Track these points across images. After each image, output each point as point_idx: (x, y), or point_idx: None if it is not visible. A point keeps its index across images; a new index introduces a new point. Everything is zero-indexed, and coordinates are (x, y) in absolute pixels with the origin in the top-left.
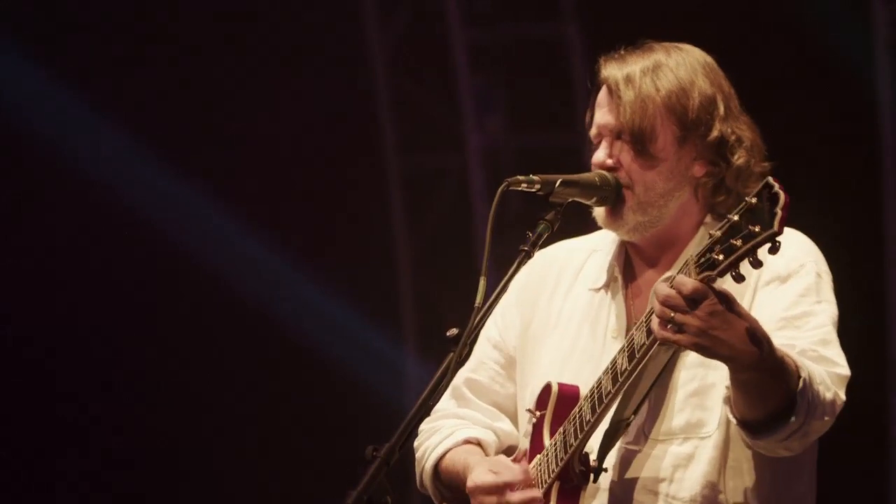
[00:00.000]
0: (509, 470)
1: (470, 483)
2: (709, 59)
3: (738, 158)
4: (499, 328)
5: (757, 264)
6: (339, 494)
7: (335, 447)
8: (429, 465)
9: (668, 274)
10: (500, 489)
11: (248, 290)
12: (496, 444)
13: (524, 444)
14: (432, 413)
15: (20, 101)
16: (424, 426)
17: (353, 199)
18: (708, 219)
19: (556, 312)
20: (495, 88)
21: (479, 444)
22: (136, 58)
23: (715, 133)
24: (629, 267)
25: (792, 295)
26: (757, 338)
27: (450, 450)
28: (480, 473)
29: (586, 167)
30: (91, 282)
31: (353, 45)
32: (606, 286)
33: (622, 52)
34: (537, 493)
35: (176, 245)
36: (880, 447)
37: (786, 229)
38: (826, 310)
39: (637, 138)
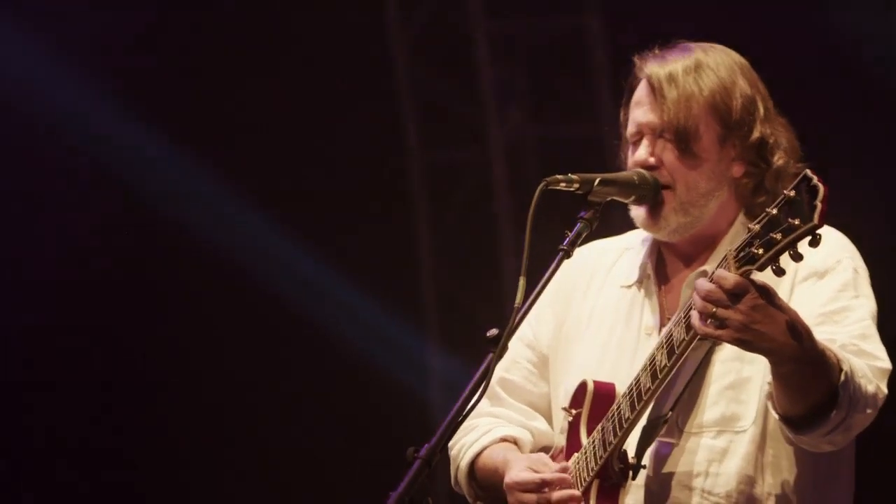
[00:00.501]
0: (548, 468)
1: (508, 479)
2: (743, 60)
3: (778, 159)
4: (532, 328)
5: (797, 257)
6: (365, 489)
7: (360, 442)
8: (464, 463)
9: (703, 268)
10: (538, 487)
11: (272, 285)
12: (532, 442)
13: (560, 441)
14: None
15: (33, 90)
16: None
17: (375, 193)
18: (741, 216)
19: (589, 311)
20: (517, 81)
21: (515, 442)
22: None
23: (756, 134)
24: (661, 264)
25: (830, 291)
26: (798, 331)
27: (486, 447)
28: (519, 471)
29: (608, 160)
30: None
31: (375, 38)
32: (639, 283)
33: (658, 50)
34: (576, 492)
35: (200, 240)
36: None
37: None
38: (864, 304)
39: (681, 137)
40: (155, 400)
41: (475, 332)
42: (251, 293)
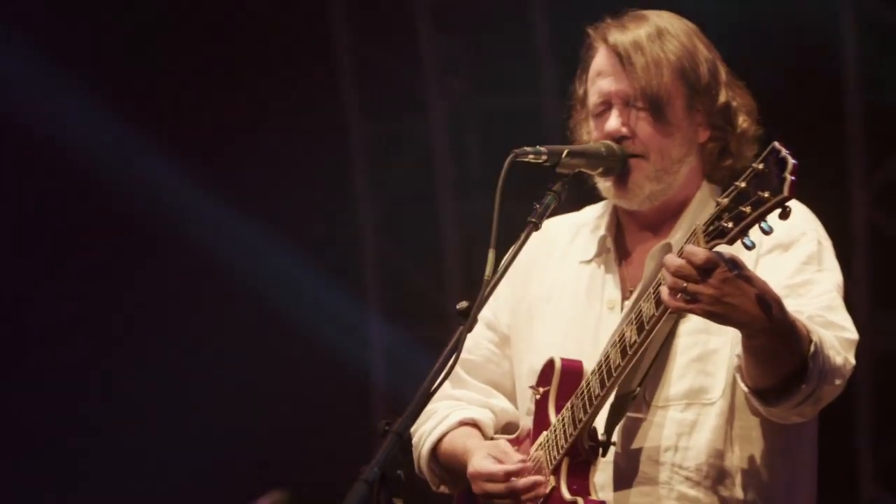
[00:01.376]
0: (510, 458)
1: (471, 469)
2: (693, 24)
3: (742, 122)
4: (491, 308)
5: (767, 231)
6: (307, 461)
7: (302, 414)
8: (425, 450)
9: (666, 241)
10: (502, 477)
11: (211, 255)
12: (493, 421)
13: (526, 422)
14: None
15: (25, 95)
16: None
17: (316, 163)
18: (704, 183)
19: (548, 288)
20: (459, 51)
21: (475, 424)
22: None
23: (722, 98)
24: (620, 237)
25: (794, 263)
26: (769, 302)
27: (446, 433)
28: (481, 459)
29: (551, 131)
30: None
31: (316, 6)
32: (598, 257)
33: (611, 19)
34: (541, 477)
35: (143, 209)
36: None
37: None
38: (829, 277)
39: (654, 104)
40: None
41: (416, 303)
42: (189, 263)
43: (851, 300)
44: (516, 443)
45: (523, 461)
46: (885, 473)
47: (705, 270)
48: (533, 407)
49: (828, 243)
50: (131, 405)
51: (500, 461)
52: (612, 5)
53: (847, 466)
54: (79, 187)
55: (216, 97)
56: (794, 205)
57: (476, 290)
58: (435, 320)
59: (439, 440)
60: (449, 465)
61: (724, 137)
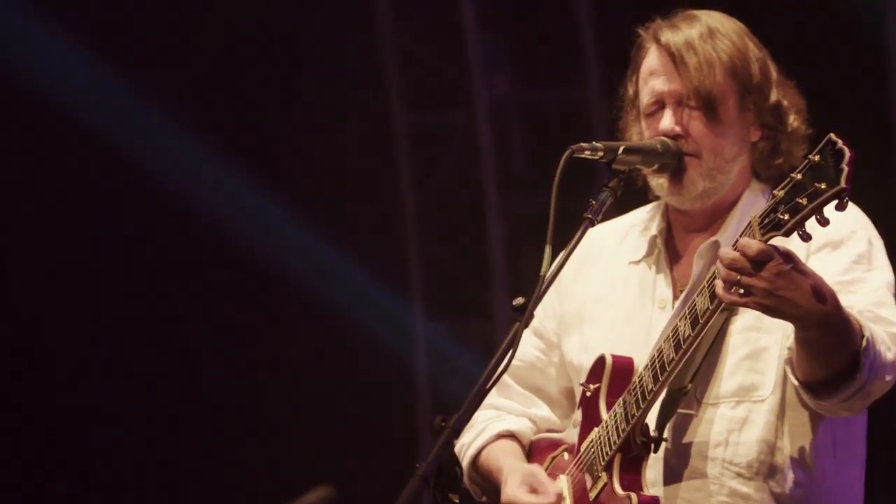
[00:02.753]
0: (546, 489)
1: (504, 498)
2: (743, 25)
3: (794, 121)
4: (538, 314)
5: (824, 222)
6: (352, 455)
7: (346, 407)
8: (465, 462)
9: (713, 238)
10: None
11: (255, 246)
12: (533, 431)
13: (571, 436)
14: None
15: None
16: None
17: (360, 155)
18: (753, 184)
19: (597, 289)
20: (503, 45)
21: (513, 436)
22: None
23: (774, 97)
24: (669, 237)
25: (845, 261)
26: (823, 295)
27: (484, 447)
28: (516, 488)
29: (595, 125)
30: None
31: (361, 1)
32: (648, 257)
33: (662, 20)
34: None
35: (184, 201)
36: None
37: None
38: (879, 275)
39: (707, 104)
40: (139, 365)
41: (460, 297)
42: (234, 258)
43: None
44: (558, 446)
45: (559, 494)
46: None
47: (759, 263)
48: (583, 404)
49: (879, 242)
50: (174, 401)
51: (535, 490)
52: (656, 2)
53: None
54: (126, 181)
55: (262, 91)
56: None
57: (521, 284)
58: (478, 315)
59: (478, 453)
60: (487, 479)
61: (776, 136)
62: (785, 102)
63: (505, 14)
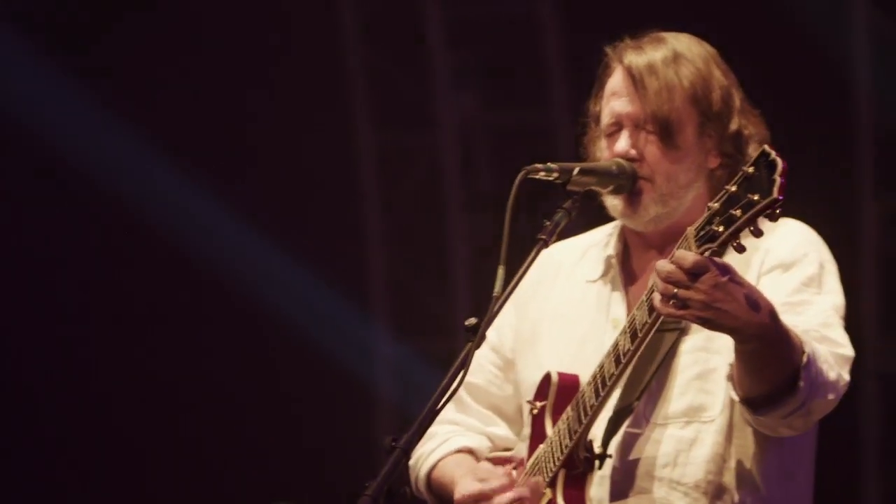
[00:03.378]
0: (495, 476)
1: (457, 496)
2: (713, 49)
3: (754, 151)
4: (496, 331)
5: (758, 233)
6: (311, 474)
7: (306, 427)
8: (422, 473)
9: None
10: (486, 496)
11: (217, 267)
12: (490, 449)
13: (523, 451)
14: None
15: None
16: None
17: (324, 175)
18: (713, 200)
19: (554, 307)
20: (469, 66)
21: (471, 452)
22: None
23: (734, 126)
24: (627, 257)
25: (794, 283)
26: (760, 307)
27: (441, 459)
28: (466, 484)
29: (560, 147)
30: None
31: (327, 19)
32: (605, 276)
33: (629, 40)
34: (524, 490)
35: (146, 221)
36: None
37: (788, 219)
38: (828, 299)
39: (664, 129)
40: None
41: (423, 318)
42: (196, 275)
43: (860, 322)
44: (507, 462)
45: (508, 475)
46: (892, 497)
47: (694, 275)
48: (531, 421)
49: (830, 266)
50: (131, 417)
51: (485, 481)
52: (624, 23)
53: (853, 489)
54: (86, 196)
55: (225, 109)
56: (799, 225)
57: (484, 306)
58: (442, 335)
59: (434, 466)
60: (441, 492)
61: (734, 165)
62: (746, 132)
63: (472, 35)
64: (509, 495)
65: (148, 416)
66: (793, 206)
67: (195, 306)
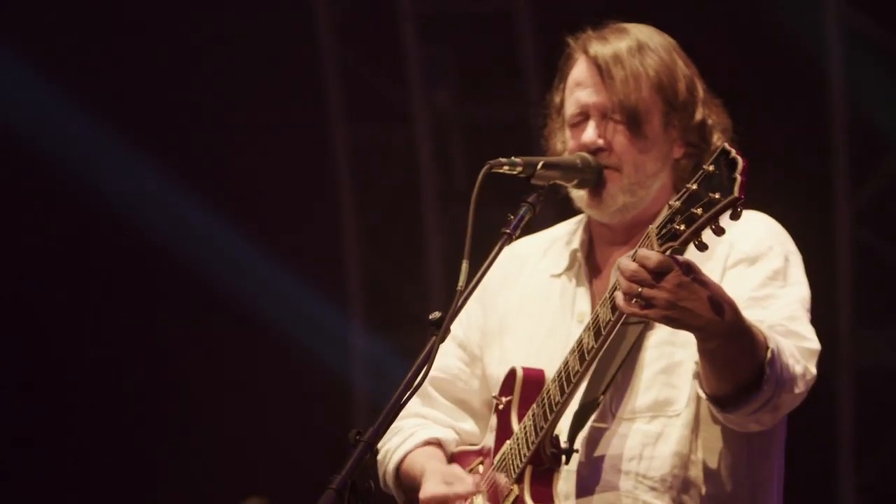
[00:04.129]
0: (461, 482)
1: (422, 494)
2: (672, 40)
3: (717, 140)
4: (462, 327)
5: (719, 231)
6: (288, 470)
7: (282, 423)
8: (391, 467)
9: (631, 252)
10: (450, 500)
11: (191, 260)
12: (458, 442)
13: (489, 442)
14: None
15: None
16: None
17: (299, 171)
18: (674, 198)
19: (519, 302)
20: (444, 61)
21: (439, 443)
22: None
23: (699, 115)
24: (591, 251)
25: (759, 277)
26: (723, 306)
27: (410, 452)
28: (433, 485)
29: (534, 142)
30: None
31: (300, 14)
32: (569, 270)
33: (593, 31)
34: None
35: (123, 215)
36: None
37: (753, 212)
38: (793, 291)
39: (632, 118)
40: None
41: (400, 313)
42: (172, 271)
43: (835, 314)
44: (478, 455)
45: (476, 484)
46: (866, 489)
47: (658, 274)
48: (496, 417)
49: (795, 258)
50: (114, 412)
51: (451, 485)
52: (601, 18)
53: (828, 482)
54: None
55: (199, 105)
56: (763, 218)
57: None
58: (418, 331)
59: (403, 459)
60: (410, 485)
61: (699, 154)
62: (710, 121)
63: (446, 30)
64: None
65: (123, 413)
66: (768, 199)
67: (170, 303)
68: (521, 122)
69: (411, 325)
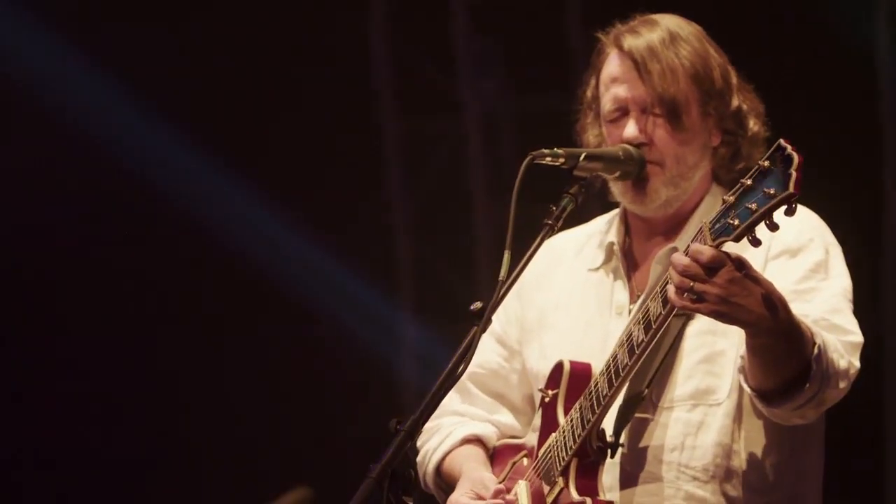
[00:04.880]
0: (488, 492)
1: (450, 501)
2: (701, 28)
3: (753, 126)
4: (501, 322)
5: (773, 227)
6: (336, 459)
7: (332, 412)
8: (430, 468)
9: (672, 245)
10: None
11: (244, 250)
12: (497, 435)
13: (532, 440)
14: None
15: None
16: (427, 424)
17: (350, 162)
18: (713, 189)
19: (557, 296)
20: (494, 51)
21: (479, 440)
22: None
23: (735, 102)
24: (628, 244)
25: (801, 270)
26: (774, 303)
27: (449, 452)
28: (460, 496)
29: (576, 134)
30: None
31: (354, 5)
32: (606, 264)
33: (624, 24)
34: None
35: (172, 203)
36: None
37: None
38: (835, 284)
39: (672, 111)
40: (122, 366)
41: (449, 303)
42: (221, 260)
43: (883, 310)
44: (521, 448)
45: (499, 491)
46: None
47: (711, 269)
48: (541, 410)
49: (835, 250)
50: (163, 403)
51: (480, 497)
52: (648, 7)
53: (875, 475)
54: (116, 184)
55: (252, 94)
56: (803, 210)
57: None
58: (468, 321)
59: (443, 458)
60: (450, 486)
61: (736, 141)
62: (745, 107)
63: (497, 20)
64: None
65: (187, 401)
66: (815, 196)
67: (224, 292)
68: (570, 113)
69: (459, 315)
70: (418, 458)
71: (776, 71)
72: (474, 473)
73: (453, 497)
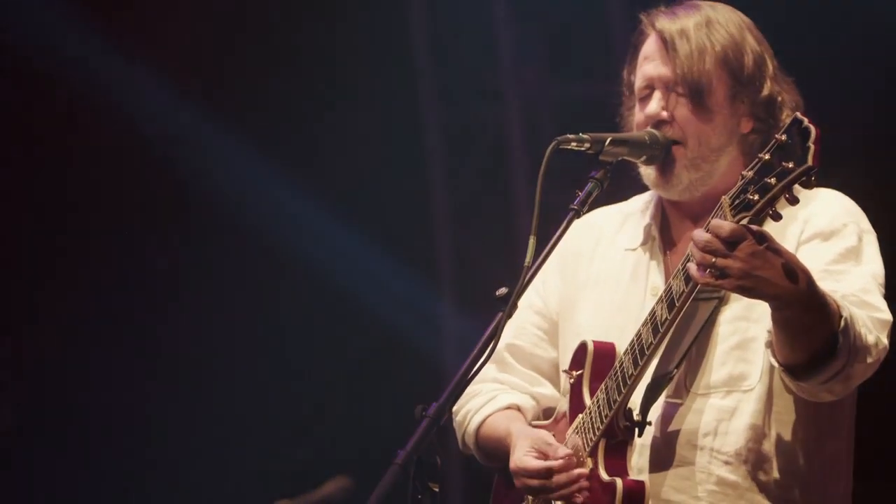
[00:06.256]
0: (555, 452)
1: (513, 465)
2: (748, 19)
3: (786, 117)
4: (541, 295)
5: (793, 200)
6: (375, 448)
7: (372, 401)
8: (471, 428)
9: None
10: (545, 474)
11: (284, 240)
12: (535, 409)
13: (563, 405)
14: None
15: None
16: (467, 389)
17: (390, 151)
18: (746, 169)
19: (594, 275)
20: (535, 38)
21: (518, 409)
22: None
23: (766, 91)
24: (666, 225)
25: (833, 253)
26: (797, 274)
27: (490, 415)
28: (523, 455)
29: (620, 116)
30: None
31: None
32: (644, 245)
33: (665, 8)
34: (583, 470)
35: (214, 194)
36: None
37: (828, 190)
38: (866, 269)
39: (695, 90)
40: (162, 353)
41: (489, 292)
42: (261, 250)
43: None
44: (553, 426)
45: (569, 455)
46: None
47: (732, 243)
48: (568, 390)
49: (870, 237)
50: (203, 391)
51: (544, 454)
52: None
53: None
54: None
55: (291, 85)
56: (837, 196)
57: None
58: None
59: (483, 422)
60: (491, 449)
61: (767, 130)
62: (780, 98)
63: (536, 6)
64: (569, 475)
65: (228, 388)
66: (851, 181)
67: (264, 283)
68: (612, 100)
69: (500, 305)
70: (457, 419)
71: (815, 61)
72: (529, 430)
73: (516, 456)
